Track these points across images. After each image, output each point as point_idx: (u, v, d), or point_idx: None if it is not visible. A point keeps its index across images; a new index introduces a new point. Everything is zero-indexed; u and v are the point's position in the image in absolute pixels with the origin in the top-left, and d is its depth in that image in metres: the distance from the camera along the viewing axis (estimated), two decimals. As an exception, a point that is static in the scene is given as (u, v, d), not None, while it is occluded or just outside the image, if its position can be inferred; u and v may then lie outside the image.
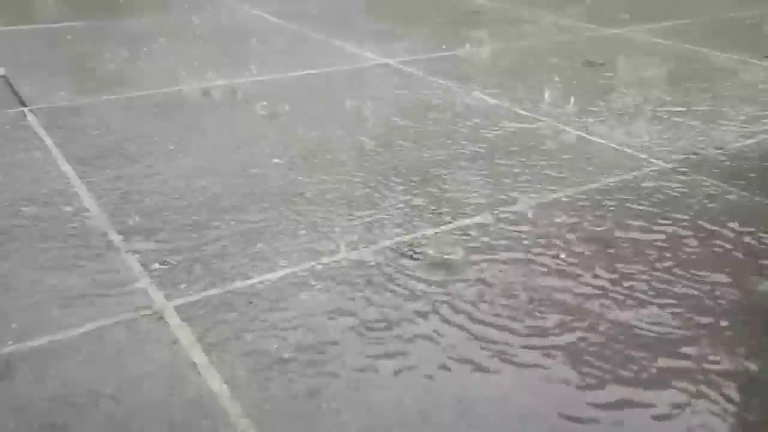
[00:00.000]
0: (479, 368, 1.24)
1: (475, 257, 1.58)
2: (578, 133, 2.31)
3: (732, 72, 3.05)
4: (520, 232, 1.68)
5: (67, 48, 3.35)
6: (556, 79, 2.88)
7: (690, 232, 1.70)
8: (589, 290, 1.47)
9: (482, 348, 1.29)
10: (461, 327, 1.34)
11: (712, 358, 1.27)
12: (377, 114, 2.45)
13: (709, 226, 1.72)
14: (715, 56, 3.29)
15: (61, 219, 1.73)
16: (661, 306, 1.41)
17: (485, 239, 1.65)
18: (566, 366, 1.24)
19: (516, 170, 2.02)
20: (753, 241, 1.66)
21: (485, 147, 2.18)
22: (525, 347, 1.29)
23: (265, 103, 2.54)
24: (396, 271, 1.52)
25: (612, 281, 1.50)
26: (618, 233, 1.69)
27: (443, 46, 3.41)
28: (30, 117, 2.41)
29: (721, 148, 2.21)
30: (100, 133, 2.27)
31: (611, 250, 1.61)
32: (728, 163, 2.10)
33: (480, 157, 2.11)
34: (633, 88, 2.78)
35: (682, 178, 1.99)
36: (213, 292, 1.45)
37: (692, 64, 3.18)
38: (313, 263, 1.55)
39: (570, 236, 1.67)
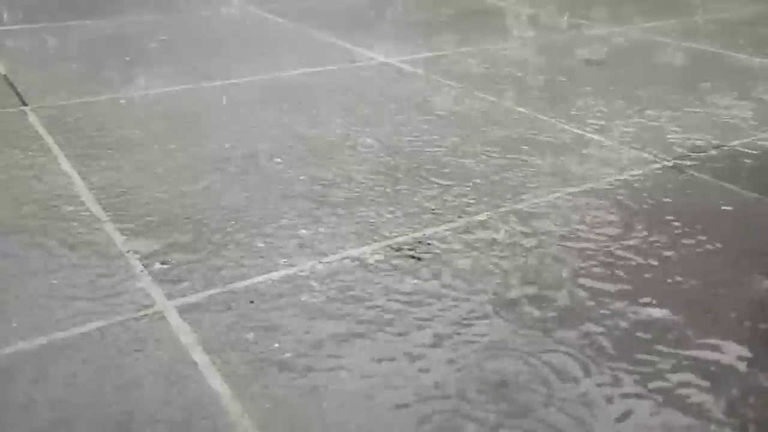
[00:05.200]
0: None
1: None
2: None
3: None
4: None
5: (69, 47, 3.35)
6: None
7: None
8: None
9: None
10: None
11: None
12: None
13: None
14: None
15: (62, 218, 1.73)
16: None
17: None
18: None
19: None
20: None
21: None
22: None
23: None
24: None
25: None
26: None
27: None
28: (31, 116, 2.41)
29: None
30: (101, 133, 2.27)
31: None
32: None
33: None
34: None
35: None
36: (214, 291, 1.45)
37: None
38: (314, 262, 1.55)
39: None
